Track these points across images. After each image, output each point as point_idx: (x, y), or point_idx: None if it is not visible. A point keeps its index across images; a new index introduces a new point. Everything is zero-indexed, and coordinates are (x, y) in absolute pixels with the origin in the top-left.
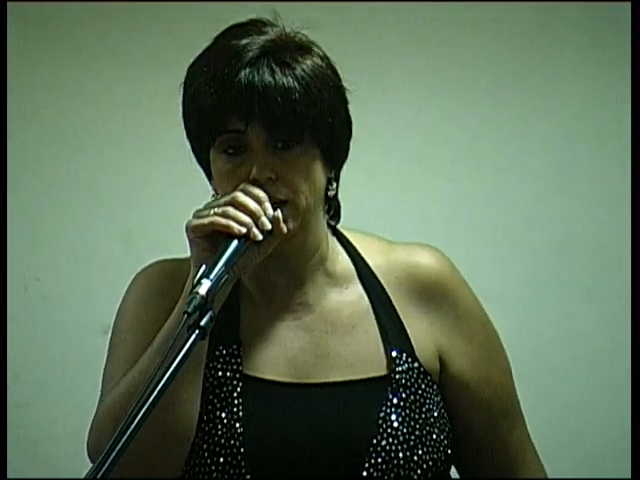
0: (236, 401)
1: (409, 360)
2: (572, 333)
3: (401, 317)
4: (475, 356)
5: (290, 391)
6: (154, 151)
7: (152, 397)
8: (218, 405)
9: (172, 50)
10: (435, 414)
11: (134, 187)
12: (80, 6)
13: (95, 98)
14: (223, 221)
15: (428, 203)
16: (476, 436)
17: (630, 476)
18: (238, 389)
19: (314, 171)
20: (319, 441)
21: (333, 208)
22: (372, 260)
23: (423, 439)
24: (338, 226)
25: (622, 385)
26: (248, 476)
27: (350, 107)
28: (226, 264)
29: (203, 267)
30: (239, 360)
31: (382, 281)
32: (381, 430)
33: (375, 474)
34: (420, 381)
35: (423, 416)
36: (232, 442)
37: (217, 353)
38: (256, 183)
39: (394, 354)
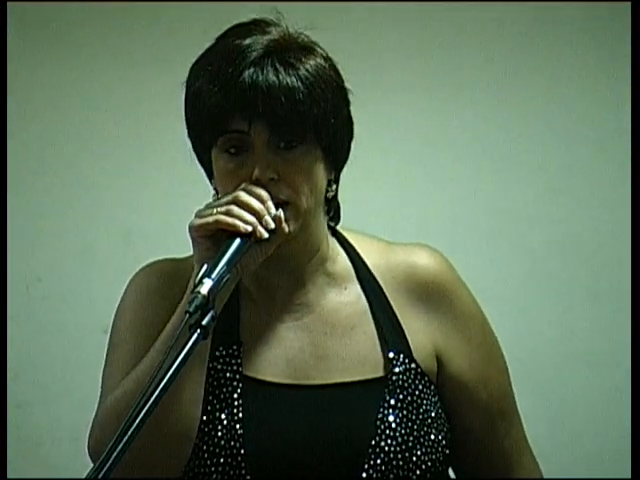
0: (236, 402)
1: (406, 361)
2: (572, 333)
3: (399, 317)
4: (473, 356)
5: (289, 392)
6: (155, 152)
7: (154, 397)
8: (218, 406)
9: (173, 50)
10: (433, 414)
11: (135, 187)
12: (80, 6)
13: (96, 98)
14: (229, 220)
15: (428, 203)
16: (473, 436)
17: (630, 476)
18: (238, 390)
19: (316, 172)
20: (318, 443)
21: (333, 209)
22: (371, 260)
23: (421, 440)
24: (337, 226)
25: (622, 385)
26: (248, 477)
27: (351, 108)
28: (228, 263)
29: (205, 266)
30: (239, 361)
31: (380, 281)
32: (379, 431)
33: (374, 475)
34: (417, 382)
35: (421, 417)
36: (232, 443)
37: (217, 354)
38: (258, 183)
39: (391, 355)
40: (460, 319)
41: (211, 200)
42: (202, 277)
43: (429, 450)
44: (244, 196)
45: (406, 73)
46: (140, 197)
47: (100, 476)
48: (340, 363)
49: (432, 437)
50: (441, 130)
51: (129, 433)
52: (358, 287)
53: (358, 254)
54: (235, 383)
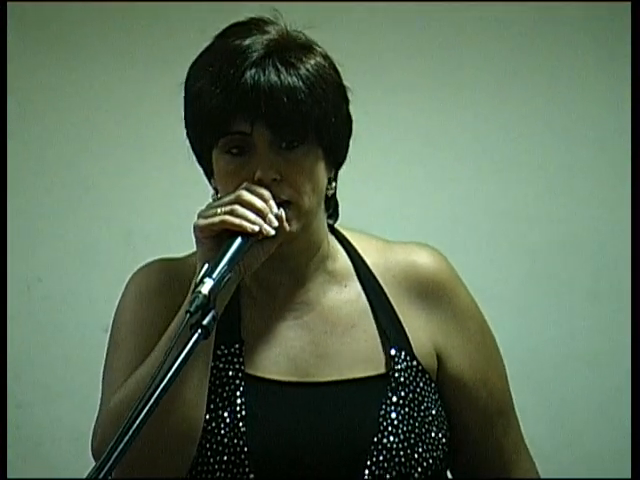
0: (239, 400)
1: (407, 358)
2: (572, 333)
3: (399, 315)
4: (472, 355)
5: (292, 390)
6: (156, 152)
7: (154, 397)
8: (221, 405)
9: (173, 51)
10: (433, 412)
11: (135, 188)
12: (80, 6)
13: (96, 99)
14: (236, 220)
15: (428, 203)
16: (471, 435)
17: (630, 476)
18: (241, 388)
19: (317, 171)
20: (322, 440)
21: (331, 207)
22: (370, 259)
23: (423, 437)
24: (336, 225)
25: (622, 385)
26: (252, 475)
27: (350, 107)
28: (229, 263)
29: (206, 266)
30: (241, 359)
31: (380, 280)
32: (382, 428)
33: (377, 472)
34: (418, 379)
35: (422, 414)
36: (235, 441)
37: (219, 352)
38: (260, 184)
39: (393, 352)
40: (459, 317)
41: (211, 200)
42: (203, 277)
43: (430, 447)
44: (247, 195)
45: (406, 73)
46: (141, 197)
47: (101, 476)
48: (341, 361)
49: (433, 434)
50: (441, 130)
51: (130, 433)
52: (358, 285)
53: (357, 253)
54: (237, 381)
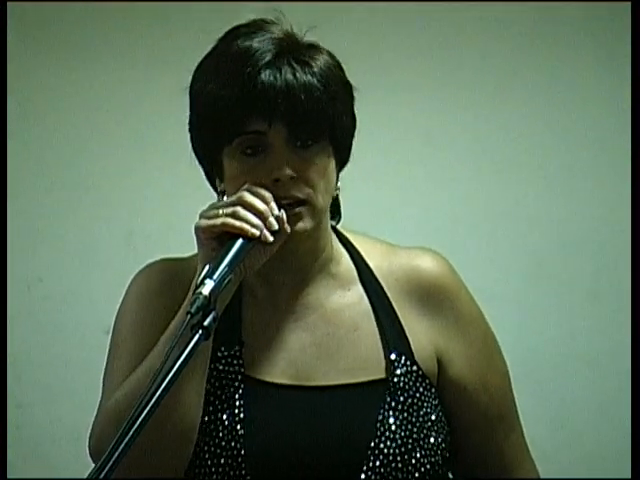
0: (237, 403)
1: (408, 363)
2: (572, 333)
3: (401, 320)
4: (473, 360)
5: (291, 394)
6: (156, 152)
7: (155, 398)
8: (219, 407)
9: (173, 51)
10: (433, 417)
11: (137, 188)
12: (81, 7)
13: (97, 99)
14: (237, 223)
15: (428, 203)
16: (472, 439)
17: (630, 476)
18: (240, 391)
19: (329, 170)
20: (319, 444)
21: (335, 208)
22: (373, 262)
23: (421, 442)
24: (340, 227)
25: (622, 385)
26: (248, 477)
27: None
28: (230, 264)
29: (207, 267)
30: (241, 362)
31: (383, 283)
32: (379, 433)
33: (373, 477)
34: (418, 384)
35: (421, 419)
36: (233, 444)
37: (219, 354)
38: (278, 183)
39: (393, 357)
40: (461, 323)
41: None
42: (204, 278)
43: (428, 453)
44: (249, 197)
45: (406, 73)
46: (142, 197)
47: (101, 476)
48: (342, 364)
49: (432, 440)
50: (441, 130)
51: (130, 434)
52: (361, 289)
53: (361, 256)
54: (237, 384)
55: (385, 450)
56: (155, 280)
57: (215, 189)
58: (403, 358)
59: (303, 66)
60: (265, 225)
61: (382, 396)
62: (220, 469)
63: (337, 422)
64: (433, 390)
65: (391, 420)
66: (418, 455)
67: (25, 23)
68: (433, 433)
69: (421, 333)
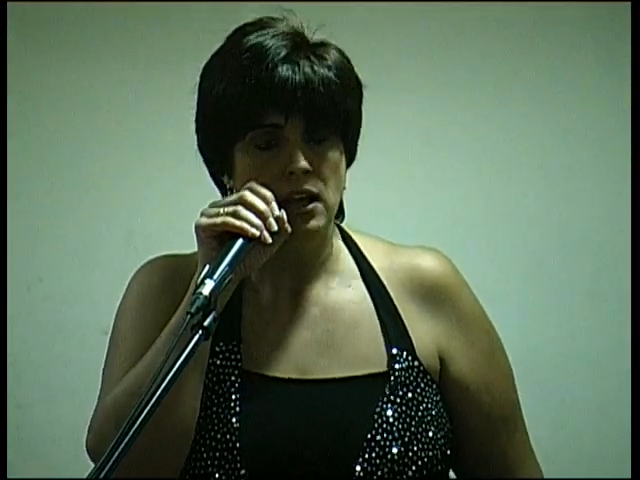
0: (233, 396)
1: (409, 358)
2: (572, 333)
3: (402, 317)
4: (476, 359)
5: (289, 387)
6: (156, 152)
7: (155, 397)
8: (216, 401)
9: (173, 51)
10: (433, 412)
11: (136, 188)
12: (81, 7)
13: (97, 99)
14: (237, 223)
15: (428, 204)
16: (475, 440)
17: (630, 476)
18: (236, 385)
19: (341, 167)
20: (315, 437)
21: (338, 206)
22: (375, 261)
23: (419, 436)
24: (344, 225)
25: (622, 385)
26: (243, 471)
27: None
28: (230, 264)
29: (207, 267)
30: (238, 356)
31: (385, 282)
32: (376, 425)
33: (369, 469)
34: (419, 379)
35: (420, 414)
36: (228, 437)
37: (217, 349)
38: (291, 176)
39: (394, 351)
40: (463, 322)
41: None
42: (204, 278)
43: (426, 447)
44: (250, 196)
45: (406, 73)
46: (141, 197)
47: (101, 476)
48: (342, 359)
49: (430, 434)
50: (441, 130)
51: (130, 434)
52: (362, 286)
53: (363, 254)
54: (233, 378)
55: (382, 442)
56: (156, 277)
57: (221, 188)
58: (404, 353)
59: (320, 60)
60: (265, 226)
61: (381, 389)
62: (216, 462)
63: (334, 414)
64: (435, 386)
65: (389, 412)
66: (415, 448)
67: (25, 23)
68: (432, 428)
69: (423, 331)
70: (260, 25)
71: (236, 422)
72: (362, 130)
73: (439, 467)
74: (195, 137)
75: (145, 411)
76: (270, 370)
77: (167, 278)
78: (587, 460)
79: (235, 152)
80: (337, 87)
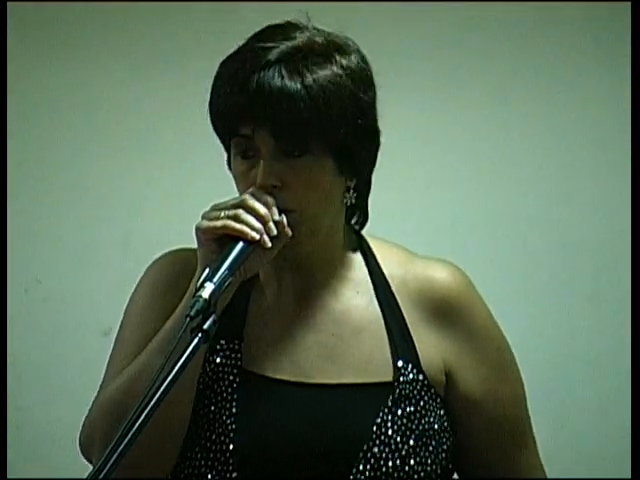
0: (230, 397)
1: (414, 371)
2: (572, 333)
3: (410, 329)
4: (485, 376)
5: (290, 389)
6: (155, 153)
7: (154, 400)
8: (213, 400)
9: (173, 51)
10: (435, 427)
11: (135, 189)
12: (81, 7)
13: (96, 99)
14: (237, 226)
15: (428, 205)
16: (482, 456)
17: (630, 476)
18: (234, 385)
19: (323, 181)
20: (310, 443)
21: (357, 214)
22: (388, 269)
23: (417, 449)
24: (364, 232)
25: (622, 385)
26: (235, 473)
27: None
28: (230, 267)
29: (207, 270)
30: (239, 355)
31: (395, 291)
32: (374, 437)
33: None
34: (423, 393)
35: (421, 427)
36: (222, 438)
37: (218, 347)
38: (262, 189)
39: (400, 364)
40: (474, 339)
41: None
42: (204, 281)
43: (424, 461)
44: (251, 201)
45: (406, 73)
46: (140, 198)
47: (101, 477)
48: (345, 365)
49: (430, 449)
50: (441, 130)
51: (129, 436)
52: (372, 293)
53: (377, 262)
54: (232, 377)
55: (378, 454)
56: (167, 272)
57: None
58: (410, 366)
59: (293, 75)
60: (265, 229)
61: (384, 400)
62: (209, 463)
63: (333, 421)
64: (439, 400)
65: (389, 425)
66: (412, 462)
67: (25, 23)
68: (433, 442)
69: (430, 345)
70: (275, 31)
71: (231, 423)
72: None
73: None
74: (195, 138)
75: (144, 414)
76: (271, 371)
77: (177, 274)
78: (587, 460)
79: (231, 151)
80: (304, 105)
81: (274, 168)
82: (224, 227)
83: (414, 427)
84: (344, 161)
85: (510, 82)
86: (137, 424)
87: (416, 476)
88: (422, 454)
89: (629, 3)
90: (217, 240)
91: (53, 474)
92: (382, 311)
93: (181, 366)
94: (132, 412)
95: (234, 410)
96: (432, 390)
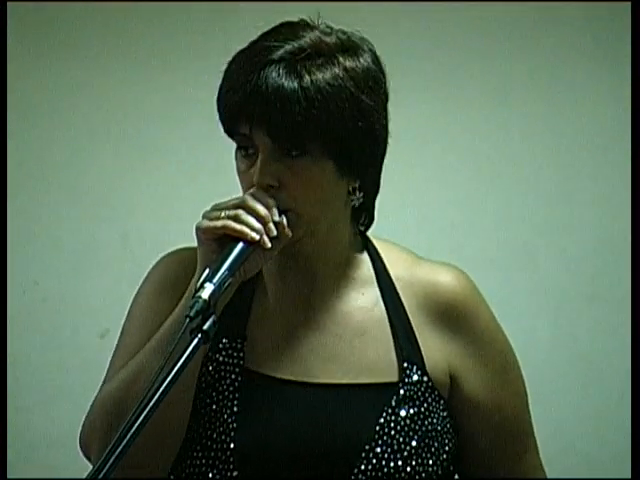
0: (231, 395)
1: (419, 372)
2: (572, 334)
3: (415, 331)
4: (488, 380)
5: (292, 389)
6: (153, 154)
7: (153, 400)
8: (215, 398)
9: (173, 51)
10: (438, 428)
11: (133, 190)
12: (81, 7)
13: (96, 99)
14: (237, 226)
15: (428, 204)
16: (485, 459)
17: (630, 476)
18: (236, 384)
19: (323, 182)
20: (311, 442)
21: (363, 215)
22: (394, 271)
23: (420, 451)
24: (369, 234)
25: (622, 386)
26: (236, 472)
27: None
28: (230, 268)
29: (207, 270)
30: (241, 354)
31: (400, 293)
32: (376, 437)
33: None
34: (427, 395)
35: (424, 429)
36: (223, 437)
37: (220, 345)
38: (259, 187)
39: (405, 365)
40: (478, 343)
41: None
42: (204, 281)
43: (426, 462)
44: (251, 201)
45: (406, 73)
46: (138, 199)
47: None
48: (348, 365)
49: (432, 450)
50: (441, 130)
51: (127, 437)
52: (377, 294)
53: (383, 263)
54: (234, 376)
55: (380, 455)
56: (171, 271)
57: None
58: (414, 367)
59: (291, 76)
60: (265, 230)
61: (387, 401)
62: (210, 461)
63: (336, 421)
64: (442, 402)
65: (392, 425)
66: (414, 463)
67: (25, 23)
68: (435, 444)
69: (435, 348)
70: (284, 29)
71: (232, 422)
72: None
73: None
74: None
75: (143, 414)
76: (273, 371)
77: (181, 273)
78: (587, 460)
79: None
80: (299, 106)
81: (271, 167)
82: (224, 227)
83: (417, 428)
84: (345, 163)
85: (510, 82)
86: (136, 425)
87: (417, 477)
88: (424, 455)
89: (629, 3)
90: (217, 240)
91: (52, 474)
92: (388, 312)
93: (180, 367)
94: (131, 412)
95: (235, 409)
96: (436, 392)
